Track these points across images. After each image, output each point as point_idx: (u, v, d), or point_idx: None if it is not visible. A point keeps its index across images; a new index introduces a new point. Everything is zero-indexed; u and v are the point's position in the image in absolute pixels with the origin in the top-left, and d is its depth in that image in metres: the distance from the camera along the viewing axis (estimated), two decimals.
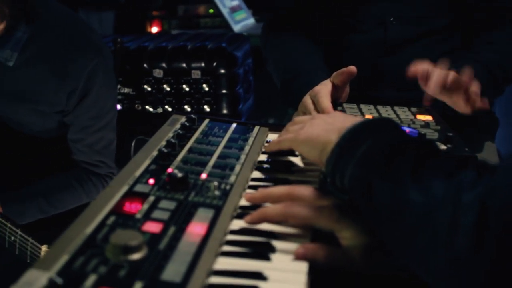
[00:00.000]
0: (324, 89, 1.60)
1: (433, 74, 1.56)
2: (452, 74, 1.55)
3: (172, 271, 0.88)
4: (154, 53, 3.00)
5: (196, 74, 2.92)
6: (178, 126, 1.46)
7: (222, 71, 2.92)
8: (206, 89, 2.92)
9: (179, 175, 1.14)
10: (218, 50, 2.94)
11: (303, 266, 0.95)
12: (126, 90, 2.99)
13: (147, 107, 3.01)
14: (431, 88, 1.55)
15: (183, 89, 2.94)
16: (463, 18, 1.93)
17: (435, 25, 1.91)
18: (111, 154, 2.24)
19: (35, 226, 2.02)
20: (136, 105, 3.02)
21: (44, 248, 1.69)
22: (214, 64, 2.92)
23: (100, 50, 2.14)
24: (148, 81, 2.99)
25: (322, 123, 1.14)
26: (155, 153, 1.29)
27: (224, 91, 2.94)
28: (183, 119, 1.51)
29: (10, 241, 1.79)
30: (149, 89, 2.99)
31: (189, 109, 2.95)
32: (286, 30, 2.08)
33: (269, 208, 1.04)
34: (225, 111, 2.92)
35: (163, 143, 1.35)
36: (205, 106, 2.94)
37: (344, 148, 1.00)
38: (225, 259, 0.96)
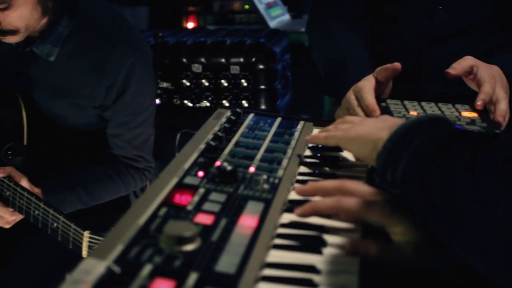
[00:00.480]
0: (367, 85, 1.59)
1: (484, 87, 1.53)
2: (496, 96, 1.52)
3: (226, 263, 0.89)
4: (193, 48, 3.01)
5: (235, 69, 2.93)
6: (223, 120, 1.46)
7: (261, 66, 2.92)
8: (245, 84, 2.92)
9: (229, 168, 1.14)
10: (257, 46, 2.94)
11: (355, 261, 0.95)
12: (165, 84, 3.01)
13: (185, 101, 3.02)
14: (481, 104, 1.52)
15: (221, 84, 2.95)
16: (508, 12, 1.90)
17: (484, 16, 1.88)
18: (149, 149, 2.25)
19: (75, 214, 2.03)
20: (174, 100, 3.04)
21: (86, 234, 1.71)
22: (253, 59, 2.92)
23: (140, 46, 2.15)
24: (187, 75, 3.00)
25: (372, 122, 1.15)
26: (202, 146, 1.30)
27: (262, 87, 2.94)
28: (228, 113, 1.51)
29: (53, 228, 1.81)
30: (188, 84, 3.00)
31: (227, 104, 2.95)
32: (331, 18, 2.06)
33: (320, 201, 1.04)
34: (263, 107, 2.92)
35: (210, 136, 1.36)
36: (244, 101, 2.94)
37: (396, 142, 1.00)
38: (277, 252, 0.96)
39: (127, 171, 2.20)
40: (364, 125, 1.16)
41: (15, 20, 1.90)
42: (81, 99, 2.11)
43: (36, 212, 1.86)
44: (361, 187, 1.04)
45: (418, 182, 0.92)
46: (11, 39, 1.96)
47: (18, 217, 1.96)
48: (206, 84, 2.97)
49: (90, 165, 2.25)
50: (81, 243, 1.71)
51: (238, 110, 1.50)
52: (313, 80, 3.42)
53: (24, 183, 1.93)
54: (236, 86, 2.94)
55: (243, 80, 2.91)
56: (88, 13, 2.12)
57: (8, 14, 1.88)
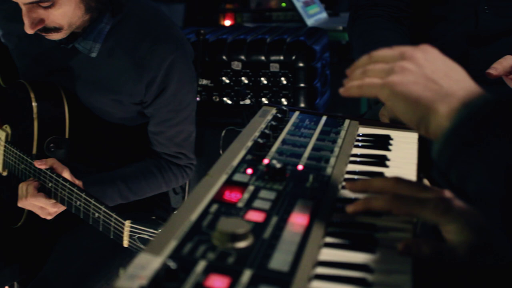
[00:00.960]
0: None
1: None
2: None
3: (279, 260, 0.89)
4: (233, 45, 3.02)
5: (274, 67, 2.92)
6: (269, 117, 1.46)
7: (301, 64, 2.91)
8: (284, 82, 2.92)
9: (278, 166, 1.14)
10: (297, 44, 2.94)
11: (408, 260, 0.94)
12: (204, 81, 3.02)
13: (224, 99, 3.02)
14: None
15: (261, 81, 2.95)
16: None
17: None
18: (191, 146, 2.26)
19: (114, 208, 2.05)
20: (213, 97, 3.04)
21: (127, 223, 1.71)
22: (293, 57, 2.92)
23: (181, 43, 2.15)
24: (227, 73, 3.01)
25: (420, 73, 0.97)
26: (249, 143, 1.30)
27: (302, 85, 2.93)
28: (273, 110, 1.51)
29: (94, 218, 1.83)
30: (227, 81, 3.01)
31: (266, 102, 2.95)
32: (373, 18, 2.05)
33: (373, 198, 1.02)
34: (302, 105, 2.91)
35: (257, 134, 1.36)
36: (283, 99, 2.94)
37: (466, 142, 0.90)
38: (329, 250, 0.96)
39: (168, 167, 2.21)
40: (409, 76, 0.97)
41: (58, 18, 1.92)
42: (121, 95, 2.13)
43: (78, 202, 1.87)
44: (414, 185, 1.03)
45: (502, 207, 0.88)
46: (55, 36, 1.98)
47: (60, 208, 1.97)
48: (246, 81, 2.97)
49: (130, 161, 2.25)
50: (122, 233, 1.72)
51: (284, 107, 1.50)
52: None
53: (66, 174, 1.94)
54: (276, 84, 2.94)
55: (282, 78, 2.91)
56: (130, 10, 2.13)
57: (52, 12, 1.90)
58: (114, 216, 1.75)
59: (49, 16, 1.90)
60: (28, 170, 2.04)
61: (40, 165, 1.93)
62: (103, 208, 1.79)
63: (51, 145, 2.07)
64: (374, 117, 1.77)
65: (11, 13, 2.24)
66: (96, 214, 1.80)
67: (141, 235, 1.66)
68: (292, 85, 2.94)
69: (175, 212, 1.00)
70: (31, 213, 2.10)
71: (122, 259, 2.15)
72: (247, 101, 2.89)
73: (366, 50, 1.96)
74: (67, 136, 2.12)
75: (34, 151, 2.07)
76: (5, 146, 2.18)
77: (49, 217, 1.98)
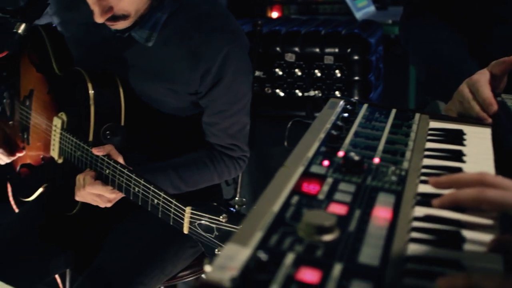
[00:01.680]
0: (482, 78, 1.53)
1: None
2: None
3: (368, 255, 0.87)
4: (287, 37, 2.99)
5: (329, 60, 2.89)
6: (339, 109, 1.44)
7: (356, 57, 2.88)
8: (338, 75, 2.89)
9: (356, 158, 1.12)
10: (353, 36, 2.91)
11: (499, 258, 0.91)
12: (257, 73, 3.00)
13: (277, 90, 3.00)
14: None
15: (314, 74, 2.92)
16: None
17: None
18: (245, 138, 2.24)
19: None
20: (266, 89, 3.02)
21: (188, 210, 1.69)
22: (348, 50, 2.88)
23: (237, 34, 2.14)
24: (280, 65, 2.99)
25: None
26: (322, 135, 1.28)
27: (356, 78, 2.90)
28: (341, 102, 1.49)
29: (153, 204, 1.81)
30: (280, 73, 2.99)
31: (319, 95, 2.92)
32: (428, 18, 2.02)
33: (461, 191, 0.99)
34: (356, 98, 2.87)
35: (328, 125, 1.33)
36: (336, 92, 2.91)
37: None
38: (415, 246, 0.93)
39: (221, 159, 2.20)
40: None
41: (126, 5, 1.93)
42: (176, 85, 2.12)
43: (136, 189, 1.86)
44: (504, 180, 1.00)
45: None
46: (121, 25, 1.98)
47: (118, 195, 1.97)
48: (299, 73, 2.94)
49: (183, 151, 2.25)
50: (183, 219, 1.70)
51: (353, 100, 1.47)
52: (398, 73, 3.36)
53: (121, 161, 1.94)
54: (329, 77, 2.91)
55: (337, 71, 2.88)
56: (186, 0, 2.12)
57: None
58: (174, 202, 1.73)
59: (118, 3, 1.91)
60: (85, 157, 2.04)
61: (98, 151, 1.92)
62: (163, 195, 1.78)
63: (107, 132, 2.07)
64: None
65: (69, 1, 2.25)
66: (155, 201, 1.79)
67: (202, 222, 1.64)
68: (346, 78, 2.91)
69: (257, 202, 0.98)
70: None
71: (177, 248, 2.15)
72: (311, 93, 2.86)
73: (425, 50, 1.94)
74: (122, 124, 2.12)
75: (90, 138, 2.08)
76: (61, 134, 2.18)
77: (109, 204, 1.98)
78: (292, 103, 3.00)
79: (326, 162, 1.15)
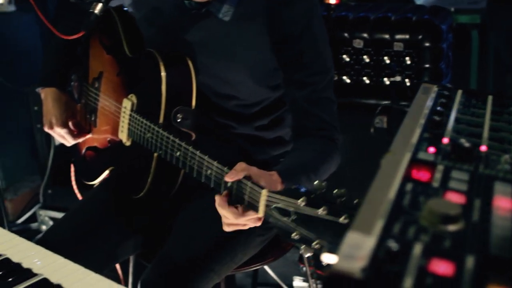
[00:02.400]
0: None
1: None
2: None
3: (498, 247, 0.81)
4: (356, 23, 2.92)
5: (398, 46, 2.82)
6: (433, 95, 1.38)
7: (427, 44, 2.79)
8: (408, 62, 2.81)
9: (467, 145, 1.06)
10: (424, 23, 2.82)
11: None
12: None
13: (344, 77, 2.93)
14: None
15: (383, 61, 2.85)
16: None
17: None
18: (336, 116, 2.08)
19: None
20: None
21: (264, 192, 1.62)
22: (420, 36, 2.80)
23: (316, 4, 2.04)
24: (347, 51, 2.91)
25: None
26: (422, 121, 1.22)
27: (427, 65, 2.82)
28: (435, 88, 1.43)
29: (227, 187, 1.76)
30: (347, 59, 2.92)
31: (387, 82, 2.85)
32: None
33: None
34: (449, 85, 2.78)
35: (426, 111, 1.28)
36: (406, 80, 2.83)
37: None
38: None
39: (335, 145, 2.06)
40: None
41: None
42: (254, 62, 2.05)
43: (209, 171, 1.82)
44: None
45: None
46: None
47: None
48: (367, 60, 2.87)
49: (259, 138, 2.20)
50: (258, 202, 1.64)
51: (448, 85, 1.41)
52: (460, 62, 3.28)
53: (262, 182, 1.73)
54: (399, 64, 2.83)
55: (407, 58, 2.80)
56: None
57: None
58: (249, 185, 1.68)
59: None
60: (155, 139, 2.01)
61: (231, 178, 1.74)
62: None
63: (178, 115, 2.03)
64: None
65: None
66: (229, 183, 1.74)
67: (279, 205, 1.58)
68: (416, 65, 2.83)
69: (370, 189, 0.93)
70: (154, 183, 2.08)
71: (246, 236, 2.09)
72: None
73: None
74: (193, 107, 2.07)
75: (161, 120, 2.03)
76: (130, 115, 2.15)
77: (258, 223, 1.77)
78: (360, 90, 2.93)
79: (432, 149, 1.10)
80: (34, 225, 4.09)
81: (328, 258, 1.14)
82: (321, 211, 1.44)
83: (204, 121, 2.15)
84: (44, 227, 4.00)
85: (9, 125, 4.13)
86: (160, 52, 2.07)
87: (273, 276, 3.24)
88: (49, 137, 3.89)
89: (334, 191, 1.44)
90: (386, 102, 2.87)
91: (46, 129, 2.44)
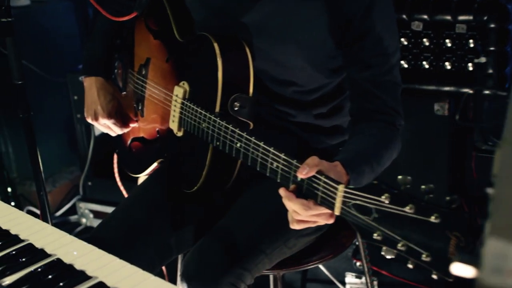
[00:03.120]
0: None
1: None
2: None
3: None
4: (415, 4, 2.75)
5: (461, 29, 2.65)
6: None
7: (493, 25, 2.62)
8: (472, 45, 2.64)
9: None
10: (489, 2, 2.64)
11: None
12: None
13: (402, 62, 2.77)
14: None
15: (444, 44, 2.68)
16: None
17: None
18: (400, 100, 1.95)
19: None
20: None
21: (341, 188, 1.48)
22: (485, 17, 2.63)
23: None
24: (405, 34, 2.75)
25: None
26: None
27: (492, 48, 2.64)
28: None
29: (296, 181, 1.62)
30: (405, 42, 2.76)
31: (449, 67, 2.69)
32: None
33: None
34: (490, 71, 2.63)
35: None
36: (469, 64, 2.67)
37: None
38: None
39: (397, 131, 1.93)
40: None
41: None
42: (313, 44, 1.92)
43: (275, 164, 1.69)
44: None
45: None
46: None
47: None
48: (426, 43, 2.71)
49: (318, 126, 2.09)
50: (334, 198, 1.50)
51: None
52: None
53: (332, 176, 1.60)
54: (461, 47, 2.66)
55: (470, 40, 2.63)
56: None
57: None
58: (323, 179, 1.54)
59: None
60: (211, 129, 1.89)
61: (304, 173, 1.60)
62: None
63: (235, 103, 1.91)
64: None
65: None
66: (299, 178, 1.61)
67: (357, 202, 1.45)
68: (481, 48, 2.65)
69: (496, 186, 0.79)
70: (209, 176, 1.98)
71: None
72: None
73: None
74: (250, 94, 1.95)
75: (217, 109, 1.91)
76: (182, 104, 2.03)
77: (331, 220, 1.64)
78: (418, 76, 2.76)
79: None
80: (73, 218, 4.05)
81: (460, 270, 1.00)
82: (408, 209, 1.32)
83: (261, 110, 2.03)
84: (84, 220, 3.93)
85: (47, 116, 4.07)
86: (215, 35, 1.95)
87: (325, 271, 3.13)
88: (89, 128, 3.82)
89: (422, 187, 1.30)
90: (448, 88, 2.72)
91: (90, 120, 2.33)
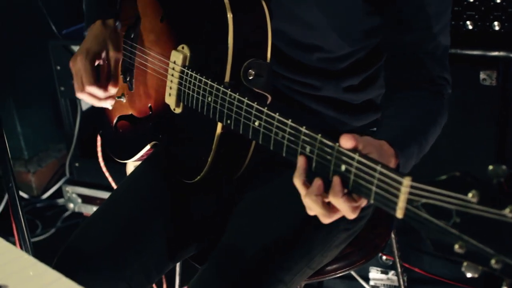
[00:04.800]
0: None
1: None
2: None
3: None
4: None
5: None
6: None
7: None
8: None
9: None
10: None
11: None
12: None
13: (467, 22, 2.38)
14: None
15: (491, 0, 2.30)
16: None
17: None
18: (448, 66, 1.69)
19: None
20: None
21: (407, 182, 1.11)
22: None
23: None
24: None
25: None
26: None
27: None
28: None
29: (340, 171, 1.25)
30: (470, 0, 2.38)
31: (497, 28, 2.30)
32: None
33: None
34: None
35: None
36: None
37: None
38: None
39: (440, 102, 1.65)
40: None
41: None
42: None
43: (308, 148, 1.33)
44: None
45: None
46: None
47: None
48: (498, 0, 2.32)
49: (342, 105, 1.78)
50: (397, 197, 1.13)
51: None
52: None
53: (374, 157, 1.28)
54: (510, 4, 2.28)
55: None
56: None
57: None
58: (380, 168, 1.17)
59: None
60: (221, 103, 1.56)
61: (348, 142, 1.27)
62: (357, 157, 1.21)
63: (250, 71, 1.59)
64: None
65: None
66: (343, 166, 1.23)
67: (430, 201, 1.09)
68: None
69: None
70: (215, 163, 1.65)
71: (328, 231, 1.68)
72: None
73: None
74: (268, 60, 1.63)
75: (227, 78, 1.59)
76: (181, 73, 1.69)
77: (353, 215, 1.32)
78: (460, 38, 2.39)
79: None
80: (61, 201, 3.76)
81: None
82: (508, 213, 0.98)
83: (278, 80, 1.72)
84: (71, 205, 3.61)
85: (30, 88, 3.79)
86: None
87: None
88: (75, 102, 3.46)
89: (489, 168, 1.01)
90: (496, 53, 2.36)
91: (71, 65, 1.85)
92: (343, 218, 1.31)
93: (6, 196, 1.97)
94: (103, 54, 1.82)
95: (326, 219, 1.30)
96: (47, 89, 3.72)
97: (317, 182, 1.26)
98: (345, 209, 1.25)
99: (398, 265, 2.12)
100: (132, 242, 1.72)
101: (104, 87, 1.81)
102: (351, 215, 1.28)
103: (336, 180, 1.24)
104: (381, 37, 1.71)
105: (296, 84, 1.75)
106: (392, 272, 2.69)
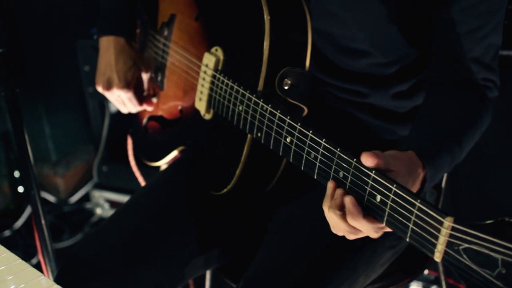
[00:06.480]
0: None
1: None
2: None
3: None
4: None
5: None
6: None
7: None
8: None
9: None
10: None
11: None
12: None
13: None
14: None
15: None
16: None
17: None
18: (497, 68, 1.57)
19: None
20: None
21: (449, 222, 0.98)
22: None
23: None
24: None
25: None
26: None
27: None
28: None
29: (375, 203, 1.12)
30: None
31: None
32: None
33: None
34: None
35: None
36: None
37: None
38: None
39: (489, 104, 1.53)
40: None
41: None
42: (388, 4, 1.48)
43: (342, 173, 1.20)
44: None
45: None
46: None
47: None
48: None
49: (389, 114, 1.64)
50: (436, 238, 1.01)
51: None
52: None
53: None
54: None
55: None
56: None
57: None
58: (418, 204, 1.04)
59: None
60: (252, 114, 1.45)
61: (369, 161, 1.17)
62: (394, 188, 1.09)
63: (286, 80, 1.48)
64: None
65: None
66: (378, 197, 1.11)
67: (472, 246, 0.96)
68: None
69: None
70: (244, 176, 1.55)
71: (373, 249, 1.55)
72: None
73: None
74: (307, 68, 1.52)
75: (260, 86, 1.48)
76: (213, 77, 1.59)
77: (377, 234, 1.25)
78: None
79: None
80: (88, 205, 3.69)
81: None
82: None
83: (320, 90, 1.59)
84: (99, 210, 3.55)
85: (58, 88, 3.70)
86: None
87: None
88: (103, 104, 3.39)
89: None
90: None
91: (101, 89, 1.85)
92: (388, 235, 1.24)
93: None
94: (136, 78, 1.85)
95: (351, 236, 1.24)
96: (76, 90, 3.67)
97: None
98: (368, 230, 1.18)
99: (443, 282, 2.03)
100: (146, 253, 1.61)
101: (142, 105, 1.90)
102: (375, 235, 1.20)
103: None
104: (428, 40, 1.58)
105: (341, 91, 1.62)
106: (434, 286, 2.60)
